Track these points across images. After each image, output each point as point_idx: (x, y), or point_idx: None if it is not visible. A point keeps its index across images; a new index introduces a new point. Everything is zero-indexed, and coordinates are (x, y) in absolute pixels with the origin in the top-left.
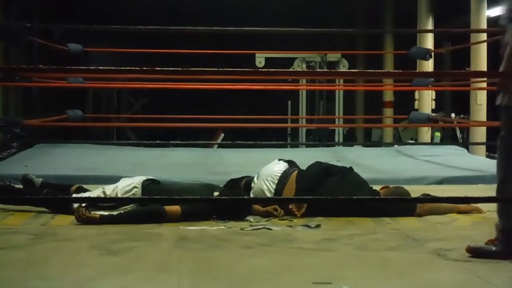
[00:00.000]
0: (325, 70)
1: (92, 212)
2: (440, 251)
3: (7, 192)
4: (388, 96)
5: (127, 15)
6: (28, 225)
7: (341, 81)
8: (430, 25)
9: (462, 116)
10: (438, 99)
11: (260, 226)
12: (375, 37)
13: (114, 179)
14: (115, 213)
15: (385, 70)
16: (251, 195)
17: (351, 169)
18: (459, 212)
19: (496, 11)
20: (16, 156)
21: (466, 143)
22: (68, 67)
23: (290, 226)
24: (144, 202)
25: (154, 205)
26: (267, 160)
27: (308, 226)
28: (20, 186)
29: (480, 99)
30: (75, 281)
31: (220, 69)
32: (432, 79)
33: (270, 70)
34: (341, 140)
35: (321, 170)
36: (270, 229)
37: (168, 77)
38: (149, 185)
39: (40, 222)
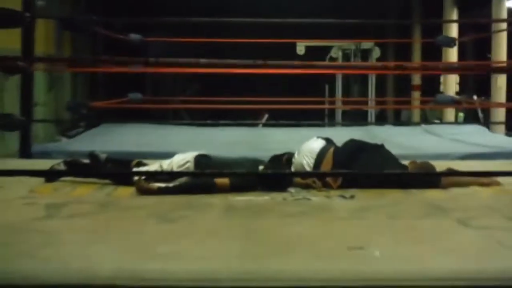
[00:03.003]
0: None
1: (151, 184)
2: (463, 219)
3: (76, 166)
4: (416, 80)
5: (182, 8)
6: (94, 195)
7: None
8: (454, 16)
9: (483, 98)
10: (462, 82)
11: (300, 197)
12: (404, 27)
13: (169, 155)
14: (171, 184)
15: (413, 56)
16: (292, 169)
17: (382, 145)
18: (480, 184)
19: None
20: (83, 135)
21: (487, 123)
22: (126, 59)
23: (327, 197)
24: (196, 175)
25: (205, 177)
26: (307, 138)
27: (343, 197)
28: (87, 161)
29: (500, 83)
30: (134, 245)
31: (267, 61)
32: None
33: (312, 63)
34: (373, 120)
35: (355, 147)
36: (309, 199)
37: (219, 62)
38: (200, 160)
39: (104, 193)
